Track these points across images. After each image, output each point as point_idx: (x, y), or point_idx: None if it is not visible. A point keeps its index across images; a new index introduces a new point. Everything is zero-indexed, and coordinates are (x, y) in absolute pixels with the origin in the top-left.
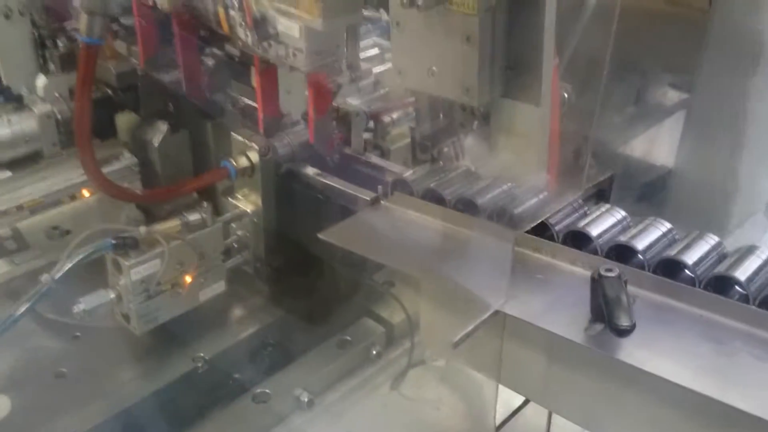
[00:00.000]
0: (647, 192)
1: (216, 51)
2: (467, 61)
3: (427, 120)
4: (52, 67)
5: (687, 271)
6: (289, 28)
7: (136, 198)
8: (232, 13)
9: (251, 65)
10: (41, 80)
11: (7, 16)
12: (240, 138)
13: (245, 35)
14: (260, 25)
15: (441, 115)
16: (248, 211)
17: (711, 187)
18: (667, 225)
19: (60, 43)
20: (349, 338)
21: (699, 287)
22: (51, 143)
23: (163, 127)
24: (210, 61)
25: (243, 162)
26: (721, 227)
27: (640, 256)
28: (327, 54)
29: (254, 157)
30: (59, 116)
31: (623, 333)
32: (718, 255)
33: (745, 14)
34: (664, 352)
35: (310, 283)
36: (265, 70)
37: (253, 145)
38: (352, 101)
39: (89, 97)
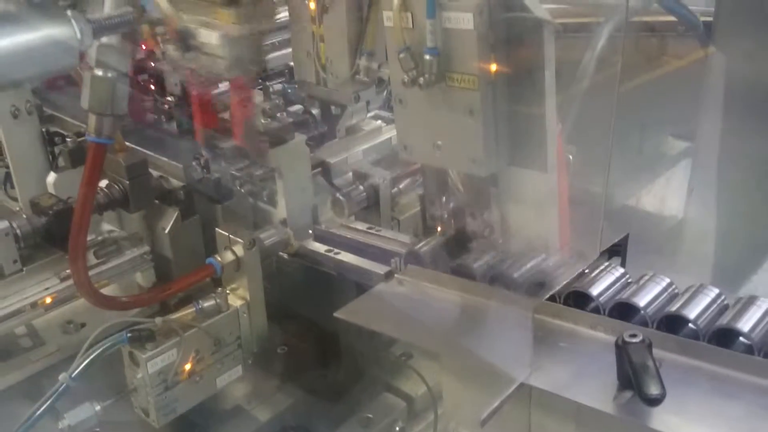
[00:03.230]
0: (660, 245)
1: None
2: (472, 134)
3: (436, 190)
4: (61, 163)
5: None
6: (207, 36)
7: (122, 306)
8: (158, 29)
9: None
10: (51, 177)
11: (15, 116)
12: (224, 233)
13: (174, 50)
14: (184, 37)
15: (449, 184)
16: (237, 305)
17: (725, 233)
18: (666, 280)
19: (68, 139)
20: (370, 416)
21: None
22: (11, 260)
23: (173, 213)
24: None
25: (228, 257)
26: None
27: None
28: (249, 60)
29: (239, 250)
30: (18, 231)
31: (654, 402)
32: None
33: (746, 58)
34: (697, 416)
35: (325, 362)
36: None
37: (238, 239)
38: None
39: (93, 197)
